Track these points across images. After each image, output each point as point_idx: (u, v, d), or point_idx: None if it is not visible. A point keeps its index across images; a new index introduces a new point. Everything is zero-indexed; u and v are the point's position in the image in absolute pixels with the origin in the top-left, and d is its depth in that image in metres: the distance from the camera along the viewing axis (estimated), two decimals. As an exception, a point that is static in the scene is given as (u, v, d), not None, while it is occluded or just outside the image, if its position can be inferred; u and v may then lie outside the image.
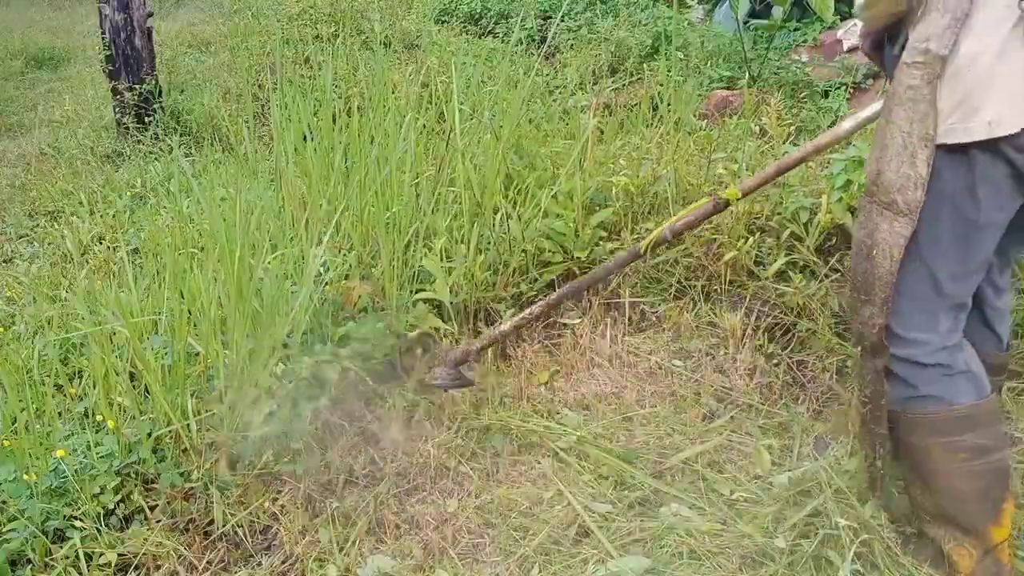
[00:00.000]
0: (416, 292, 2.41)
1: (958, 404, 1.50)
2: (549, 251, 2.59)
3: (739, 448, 2.06)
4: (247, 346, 2.09)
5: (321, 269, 2.28)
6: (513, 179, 2.78)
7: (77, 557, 1.83)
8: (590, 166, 2.79)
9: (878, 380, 1.55)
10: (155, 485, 2.01)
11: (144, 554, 1.86)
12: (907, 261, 1.45)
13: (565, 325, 2.53)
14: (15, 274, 3.68)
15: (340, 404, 2.10)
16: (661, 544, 1.75)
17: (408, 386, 2.20)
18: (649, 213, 2.72)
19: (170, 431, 2.05)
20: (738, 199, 1.92)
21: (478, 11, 6.97)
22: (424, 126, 2.96)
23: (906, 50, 1.39)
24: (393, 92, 3.15)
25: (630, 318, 2.54)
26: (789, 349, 2.36)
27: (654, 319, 2.54)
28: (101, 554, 1.85)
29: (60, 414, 2.23)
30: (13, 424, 2.06)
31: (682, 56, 4.47)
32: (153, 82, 5.78)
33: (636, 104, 3.65)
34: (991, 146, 1.34)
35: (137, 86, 5.68)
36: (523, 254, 2.55)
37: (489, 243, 2.57)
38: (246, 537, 1.94)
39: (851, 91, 4.37)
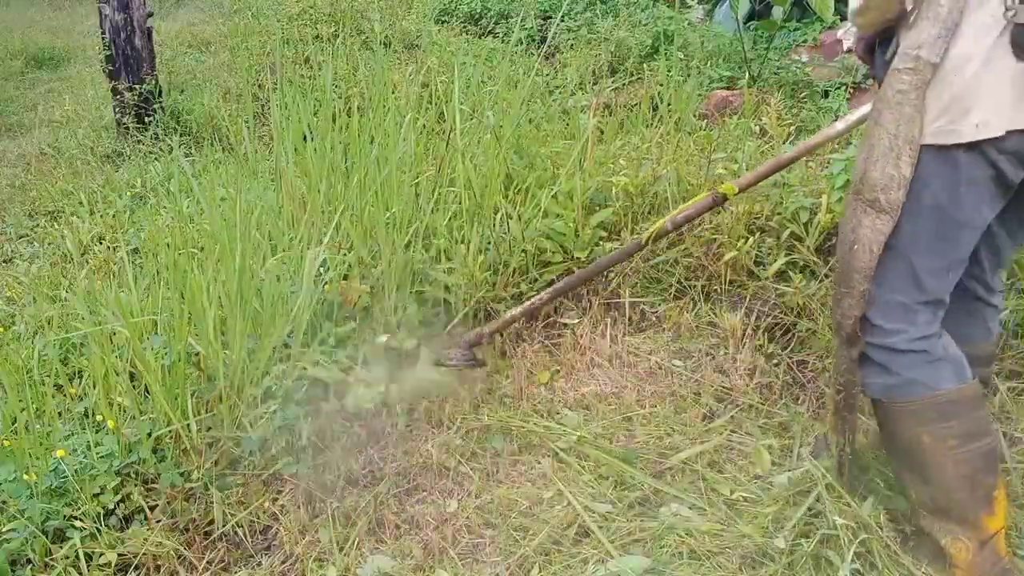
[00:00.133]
0: (415, 292, 2.41)
1: (940, 390, 1.54)
2: (549, 251, 2.59)
3: (739, 448, 2.06)
4: (247, 346, 2.09)
5: (321, 269, 2.28)
6: (513, 179, 2.78)
7: (77, 557, 1.83)
8: (590, 166, 2.79)
9: (852, 369, 1.62)
10: (155, 485, 2.01)
11: (144, 554, 1.86)
12: (889, 255, 1.52)
13: (565, 325, 2.53)
14: (15, 274, 3.68)
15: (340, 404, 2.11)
16: (661, 544, 1.75)
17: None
18: (649, 213, 2.72)
19: (170, 431, 2.05)
20: (735, 194, 2.02)
21: (478, 11, 6.97)
22: (424, 126, 2.96)
23: (897, 56, 1.45)
24: (393, 92, 3.15)
25: (630, 318, 2.54)
26: (789, 349, 2.36)
27: (654, 319, 2.54)
28: (101, 554, 1.85)
29: (60, 414, 2.23)
30: (13, 424, 2.06)
31: (682, 56, 4.47)
32: (153, 82, 5.78)
33: (636, 104, 3.65)
34: (976, 148, 1.40)
35: (137, 86, 5.68)
36: (523, 254, 2.56)
37: (489, 243, 2.57)
38: (246, 537, 1.94)
39: (851, 91, 4.36)
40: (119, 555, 1.86)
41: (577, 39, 5.55)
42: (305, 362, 2.10)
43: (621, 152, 2.98)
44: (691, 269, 2.59)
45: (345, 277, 2.39)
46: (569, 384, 2.33)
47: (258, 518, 1.97)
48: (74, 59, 8.80)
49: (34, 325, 2.86)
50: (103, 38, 5.76)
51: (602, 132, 3.25)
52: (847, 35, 4.81)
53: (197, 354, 2.17)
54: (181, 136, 5.42)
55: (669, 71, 3.33)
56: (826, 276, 2.43)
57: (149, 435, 2.03)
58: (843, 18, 4.92)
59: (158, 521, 1.93)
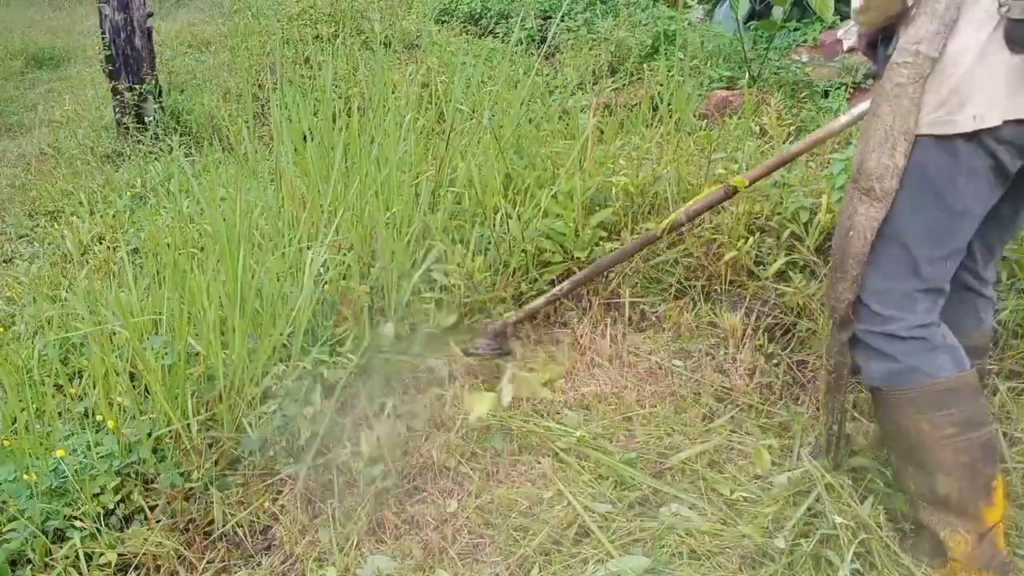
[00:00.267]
0: (415, 292, 2.41)
1: (939, 377, 1.57)
2: (549, 251, 2.59)
3: (739, 448, 2.06)
4: (247, 346, 2.09)
5: (321, 269, 2.28)
6: (513, 179, 2.78)
7: (77, 557, 1.83)
8: (590, 166, 2.79)
9: (843, 351, 1.69)
10: (155, 485, 2.01)
11: (144, 554, 1.86)
12: (890, 244, 1.56)
13: (565, 325, 2.53)
14: (15, 274, 3.68)
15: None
16: (661, 544, 1.75)
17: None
18: (649, 213, 2.72)
19: (170, 431, 2.05)
20: (745, 187, 2.11)
21: (478, 11, 6.97)
22: (424, 126, 2.96)
23: (896, 50, 1.50)
24: (393, 92, 3.15)
25: (630, 318, 2.54)
26: (789, 349, 2.36)
27: (654, 319, 2.54)
28: (101, 554, 1.85)
29: (60, 414, 2.23)
30: (13, 424, 2.06)
31: (682, 56, 4.47)
32: (153, 82, 5.78)
33: (636, 104, 3.65)
34: (975, 138, 1.45)
35: (137, 86, 5.68)
36: (523, 254, 2.55)
37: (489, 243, 2.57)
38: (246, 537, 1.94)
39: (851, 91, 4.36)
40: (119, 555, 1.86)
41: (577, 39, 5.55)
42: (306, 361, 2.10)
43: (621, 152, 2.98)
44: (691, 269, 2.59)
45: (344, 277, 2.39)
46: (569, 384, 2.33)
47: (258, 518, 1.97)
48: (74, 59, 8.80)
49: (34, 325, 2.86)
50: (103, 38, 5.76)
51: (602, 132, 3.25)
52: (847, 35, 4.82)
53: (197, 354, 2.17)
54: (181, 136, 5.43)
55: (669, 71, 3.33)
56: (826, 276, 2.42)
57: (149, 435, 2.03)
58: (843, 18, 4.92)
59: (158, 521, 1.93)
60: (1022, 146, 1.46)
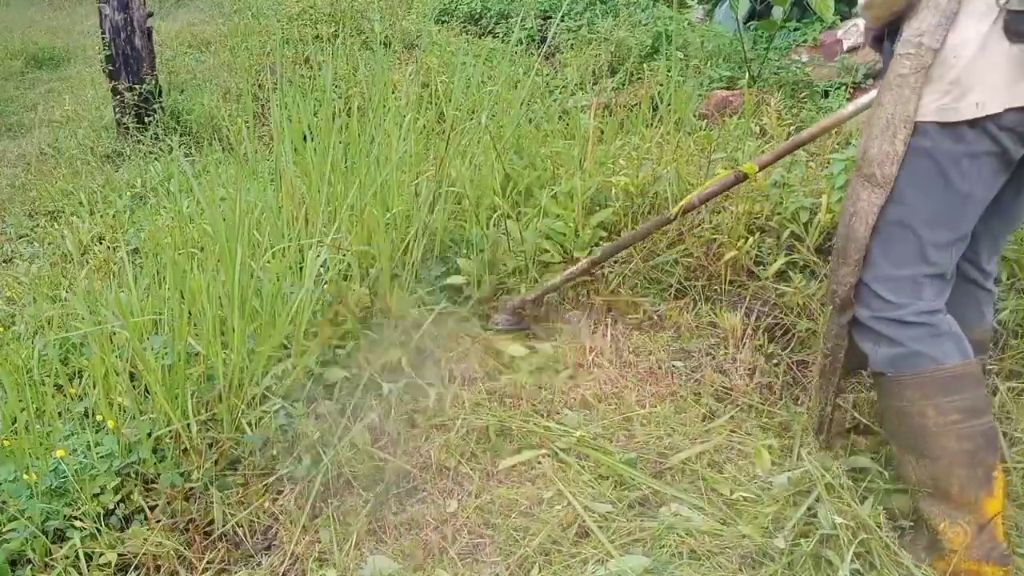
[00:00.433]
0: (413, 292, 2.41)
1: (946, 364, 1.60)
2: (549, 251, 2.59)
3: (739, 448, 2.05)
4: (247, 346, 2.09)
5: (321, 269, 2.28)
6: (513, 179, 2.78)
7: (77, 557, 1.83)
8: (590, 166, 2.79)
9: (840, 335, 1.74)
10: (155, 485, 2.01)
11: (144, 554, 1.86)
12: (897, 230, 1.61)
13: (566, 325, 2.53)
14: (15, 274, 3.68)
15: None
16: (661, 544, 1.75)
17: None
18: (649, 213, 2.72)
19: (170, 431, 2.05)
20: (756, 173, 2.16)
21: (478, 11, 6.97)
22: (424, 126, 2.96)
23: (899, 42, 1.55)
24: (393, 92, 3.15)
25: (630, 318, 2.53)
26: (789, 349, 2.36)
27: (654, 319, 2.53)
28: (101, 554, 1.85)
29: (60, 414, 2.23)
30: (13, 424, 2.06)
31: (682, 56, 4.47)
32: (153, 82, 5.78)
33: (636, 104, 3.65)
34: (979, 125, 1.50)
35: (137, 86, 5.69)
36: (522, 254, 2.55)
37: (488, 243, 2.57)
38: (246, 537, 1.94)
39: (851, 91, 4.37)
40: (119, 555, 1.85)
41: (577, 39, 5.56)
42: (306, 361, 2.10)
43: (621, 152, 2.98)
44: (691, 269, 2.59)
45: (345, 277, 2.39)
46: (569, 384, 2.33)
47: (258, 518, 1.97)
48: (74, 59, 8.80)
49: (34, 325, 2.86)
50: (103, 38, 5.76)
51: (602, 132, 3.24)
52: (847, 34, 4.82)
53: (197, 354, 2.17)
54: (181, 136, 5.43)
55: (669, 71, 3.33)
56: (826, 276, 2.42)
57: (149, 435, 2.03)
58: (843, 18, 4.93)
59: (158, 521, 1.93)
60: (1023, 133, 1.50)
